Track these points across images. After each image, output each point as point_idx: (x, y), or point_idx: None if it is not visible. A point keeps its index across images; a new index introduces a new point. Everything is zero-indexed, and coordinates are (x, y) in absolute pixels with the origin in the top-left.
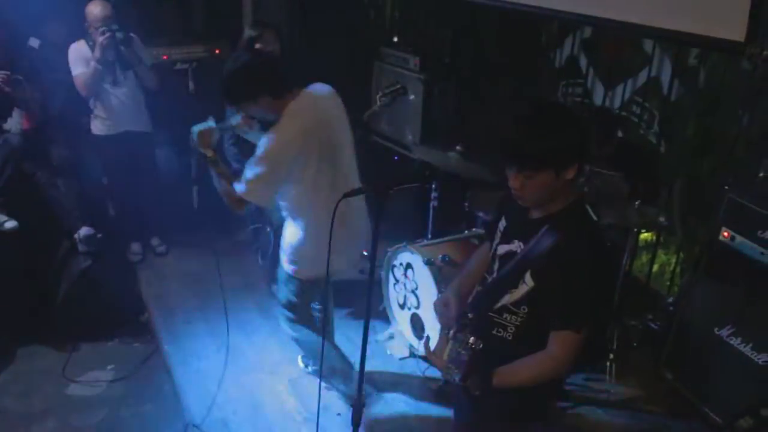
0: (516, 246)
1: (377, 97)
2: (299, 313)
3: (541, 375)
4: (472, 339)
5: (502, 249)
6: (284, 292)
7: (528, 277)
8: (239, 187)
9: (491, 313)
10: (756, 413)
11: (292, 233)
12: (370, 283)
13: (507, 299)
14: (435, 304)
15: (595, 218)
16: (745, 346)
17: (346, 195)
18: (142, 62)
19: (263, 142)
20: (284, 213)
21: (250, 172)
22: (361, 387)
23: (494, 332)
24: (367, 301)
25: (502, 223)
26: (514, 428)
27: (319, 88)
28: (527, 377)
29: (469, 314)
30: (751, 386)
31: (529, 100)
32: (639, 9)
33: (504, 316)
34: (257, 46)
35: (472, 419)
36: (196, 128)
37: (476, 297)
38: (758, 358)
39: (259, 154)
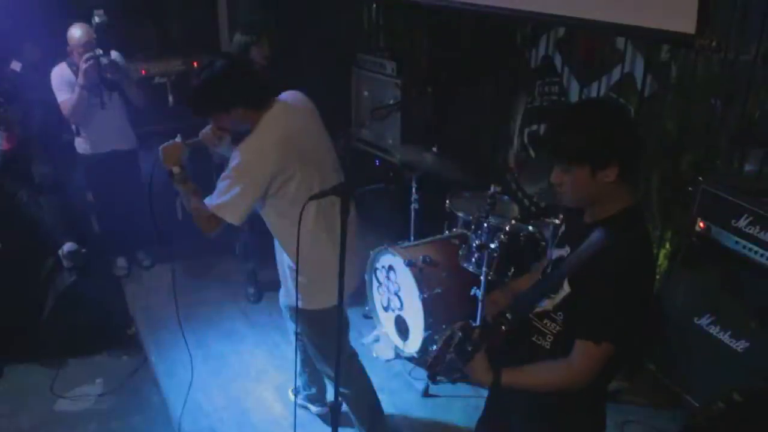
0: (566, 251)
1: (374, 111)
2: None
3: (551, 381)
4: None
5: (556, 253)
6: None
7: (566, 282)
8: (211, 204)
9: (532, 317)
10: (728, 397)
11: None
12: (340, 286)
13: (547, 304)
14: (486, 300)
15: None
16: (724, 334)
17: (312, 198)
18: (129, 79)
19: (236, 155)
20: (277, 238)
21: (223, 187)
22: (337, 388)
23: (534, 339)
24: (338, 306)
25: (563, 228)
26: None
27: (294, 98)
28: (537, 380)
29: (507, 314)
30: (731, 373)
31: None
32: (590, 5)
33: (544, 321)
34: (253, 52)
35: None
36: (162, 145)
37: (518, 297)
38: (737, 345)
39: (232, 168)
